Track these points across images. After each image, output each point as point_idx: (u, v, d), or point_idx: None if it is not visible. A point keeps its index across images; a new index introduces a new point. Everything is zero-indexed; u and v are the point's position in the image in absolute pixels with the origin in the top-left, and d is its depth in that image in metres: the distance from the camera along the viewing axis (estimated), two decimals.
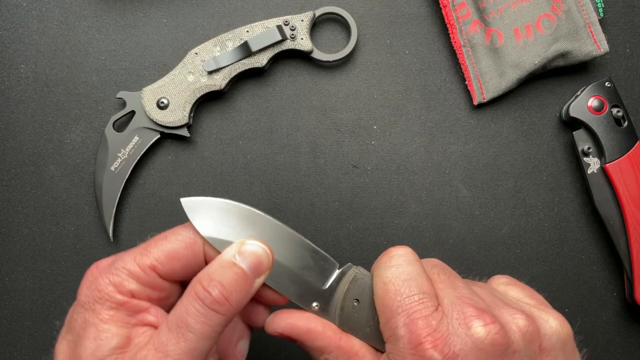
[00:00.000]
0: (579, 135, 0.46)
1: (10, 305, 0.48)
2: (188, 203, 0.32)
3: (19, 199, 0.49)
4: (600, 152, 0.46)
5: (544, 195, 0.49)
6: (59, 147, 0.49)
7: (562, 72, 0.50)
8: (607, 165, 0.45)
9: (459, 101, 0.50)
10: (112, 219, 0.47)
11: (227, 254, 0.30)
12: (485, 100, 0.49)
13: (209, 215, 0.32)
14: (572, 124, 0.48)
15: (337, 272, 0.33)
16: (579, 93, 0.47)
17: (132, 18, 0.50)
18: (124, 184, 0.47)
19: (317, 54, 0.48)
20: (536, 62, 0.47)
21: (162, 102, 0.47)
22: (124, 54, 0.50)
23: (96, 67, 0.50)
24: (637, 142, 0.46)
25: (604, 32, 0.47)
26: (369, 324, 0.32)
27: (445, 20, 0.48)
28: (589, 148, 0.46)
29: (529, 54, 0.47)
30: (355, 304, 0.32)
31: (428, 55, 0.50)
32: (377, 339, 0.31)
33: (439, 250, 0.49)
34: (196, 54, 0.47)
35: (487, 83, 0.48)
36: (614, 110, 0.45)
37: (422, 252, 0.49)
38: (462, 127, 0.50)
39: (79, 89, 0.50)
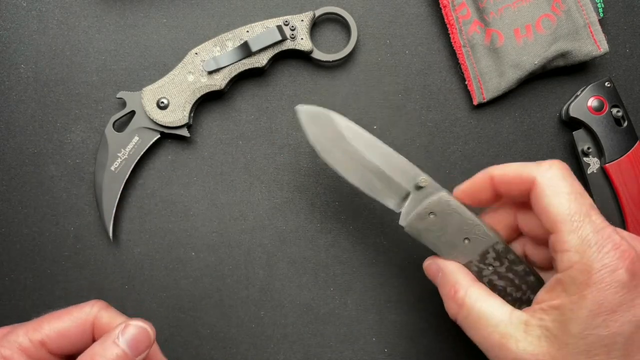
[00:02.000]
0: (579, 135, 0.46)
1: (10, 305, 0.48)
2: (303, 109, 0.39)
3: (18, 199, 0.49)
4: (600, 152, 0.46)
5: None
6: (59, 147, 0.49)
7: (562, 72, 0.50)
8: (607, 165, 0.45)
9: (459, 101, 0.50)
10: (112, 219, 0.47)
11: (111, 335, 0.33)
12: (485, 100, 0.49)
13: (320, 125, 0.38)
14: (572, 124, 0.48)
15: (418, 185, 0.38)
16: (578, 93, 0.47)
17: (132, 18, 0.50)
18: (124, 184, 0.47)
19: (317, 54, 0.48)
20: (536, 62, 0.47)
21: (162, 102, 0.47)
22: (124, 54, 0.50)
23: (96, 67, 0.50)
24: (637, 142, 0.46)
25: (603, 32, 0.47)
26: (439, 235, 0.38)
27: (445, 20, 0.48)
28: (588, 148, 0.46)
29: (529, 54, 0.47)
30: (432, 217, 0.38)
31: (428, 55, 0.50)
32: (444, 248, 0.38)
33: None
34: (196, 54, 0.47)
35: (487, 83, 0.48)
36: (614, 110, 0.45)
37: (422, 252, 0.49)
38: (462, 127, 0.50)
39: (79, 89, 0.50)
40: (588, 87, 0.46)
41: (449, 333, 0.48)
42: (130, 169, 0.47)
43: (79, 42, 0.50)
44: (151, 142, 0.48)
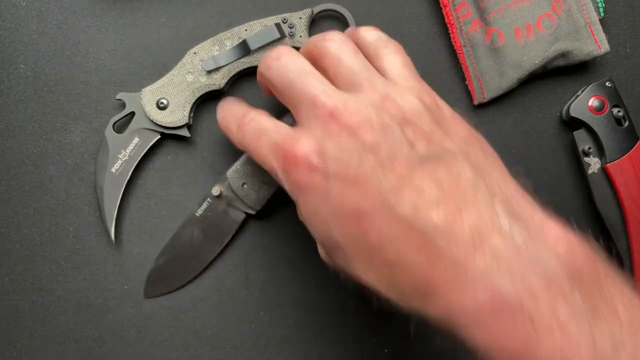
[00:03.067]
0: (580, 135, 0.46)
1: (10, 305, 0.48)
2: None
3: (18, 199, 0.49)
4: (600, 152, 0.46)
5: (543, 195, 0.49)
6: (58, 147, 0.49)
7: (563, 72, 0.49)
8: (607, 165, 0.45)
9: (459, 101, 0.50)
10: (114, 221, 0.47)
11: None
12: (486, 100, 0.49)
13: None
14: (572, 124, 0.48)
15: None
16: (579, 93, 0.47)
17: (131, 18, 0.50)
18: (124, 185, 0.47)
19: None
20: (536, 62, 0.47)
21: (162, 103, 0.47)
22: (124, 54, 0.50)
23: (96, 67, 0.50)
24: (638, 142, 0.46)
25: (604, 31, 0.47)
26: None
27: (446, 20, 0.48)
28: (589, 148, 0.46)
29: (530, 54, 0.47)
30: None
31: (428, 55, 0.50)
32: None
33: None
34: (195, 53, 0.47)
35: (488, 83, 0.48)
36: (615, 110, 0.45)
37: None
38: None
39: (79, 89, 0.50)
40: (589, 87, 0.46)
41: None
42: (131, 170, 0.47)
43: (78, 42, 0.50)
44: (151, 143, 0.48)
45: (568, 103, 0.47)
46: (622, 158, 0.45)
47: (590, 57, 0.47)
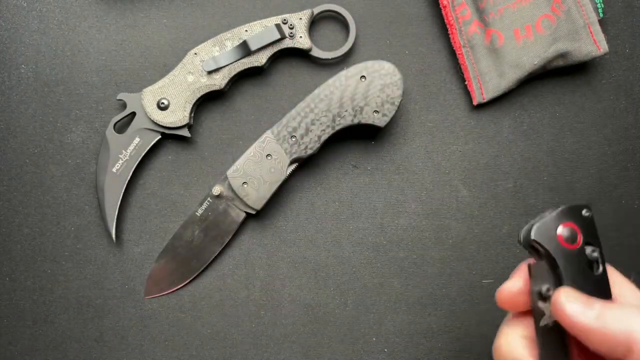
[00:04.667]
0: (539, 270, 0.31)
1: (10, 305, 0.48)
2: None
3: (19, 199, 0.49)
4: None
5: (543, 195, 0.49)
6: (59, 147, 0.49)
7: (562, 72, 0.50)
8: None
9: (458, 101, 0.50)
10: (115, 221, 0.47)
11: None
12: (485, 101, 0.49)
13: None
14: (531, 250, 0.32)
15: None
16: (546, 213, 0.32)
17: (132, 18, 0.50)
18: (125, 185, 0.47)
19: (316, 52, 0.49)
20: (536, 63, 0.47)
21: (163, 103, 0.47)
22: (124, 54, 0.50)
23: (96, 68, 0.50)
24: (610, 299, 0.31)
25: (603, 32, 0.47)
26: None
27: (445, 20, 0.48)
28: (547, 290, 0.30)
29: (529, 54, 0.47)
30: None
31: (428, 55, 0.50)
32: None
33: (439, 250, 0.49)
34: (195, 54, 0.47)
35: (487, 83, 0.48)
36: (588, 249, 0.31)
37: (422, 252, 0.49)
38: (461, 127, 0.50)
39: (80, 90, 0.50)
40: (560, 209, 0.32)
41: (448, 333, 0.48)
42: (132, 170, 0.48)
43: (79, 42, 0.50)
44: (152, 143, 0.48)
45: (531, 223, 0.32)
46: None
47: (589, 57, 0.47)
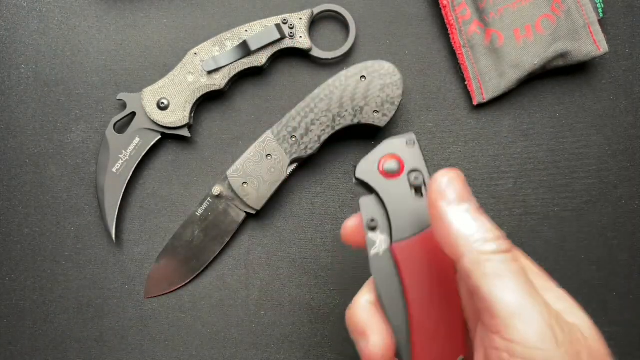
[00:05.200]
0: (367, 204, 0.32)
1: (10, 305, 0.49)
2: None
3: (19, 199, 0.49)
4: (389, 229, 0.32)
5: (543, 195, 0.49)
6: (59, 147, 0.49)
7: (562, 72, 0.50)
8: (394, 245, 0.31)
9: (458, 101, 0.50)
10: (115, 221, 0.47)
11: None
12: (485, 101, 0.49)
13: None
14: (362, 186, 0.33)
15: None
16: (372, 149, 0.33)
17: (132, 18, 0.50)
18: (125, 185, 0.47)
19: (316, 52, 0.49)
20: (536, 63, 0.47)
21: (163, 103, 0.47)
22: (124, 54, 0.50)
23: (96, 68, 0.50)
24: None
25: (603, 32, 0.47)
26: None
27: (445, 20, 0.48)
28: (372, 220, 0.32)
29: (529, 54, 0.47)
30: None
31: (428, 55, 0.50)
32: None
33: None
34: (195, 54, 0.47)
35: (487, 83, 0.48)
36: (412, 176, 0.32)
37: None
38: (462, 127, 0.50)
39: (80, 89, 0.50)
40: (381, 144, 0.33)
41: None
42: (132, 170, 0.48)
43: (79, 42, 0.50)
44: (152, 143, 0.48)
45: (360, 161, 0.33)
46: (412, 239, 0.32)
47: (589, 57, 0.47)
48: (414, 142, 0.33)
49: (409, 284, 0.31)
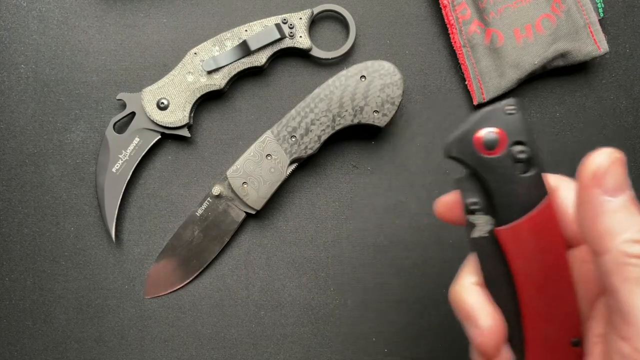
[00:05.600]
0: (463, 184, 0.30)
1: (10, 305, 0.48)
2: None
3: (19, 199, 0.49)
4: (491, 210, 0.29)
5: None
6: (59, 147, 0.49)
7: (562, 72, 0.50)
8: (498, 229, 0.29)
9: (459, 101, 0.50)
10: (114, 221, 0.47)
11: None
12: (485, 101, 0.49)
13: None
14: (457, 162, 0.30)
15: None
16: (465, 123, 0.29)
17: (132, 18, 0.50)
18: (125, 185, 0.47)
19: (316, 52, 0.48)
20: (536, 62, 0.47)
21: (162, 103, 0.47)
22: (124, 54, 0.50)
23: (96, 67, 0.50)
24: (546, 198, 0.28)
25: (603, 32, 0.47)
26: None
27: (445, 20, 0.48)
28: (473, 203, 0.29)
29: (529, 54, 0.47)
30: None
31: (428, 55, 0.50)
32: None
33: (439, 251, 0.49)
34: (195, 54, 0.47)
35: (487, 83, 0.48)
36: (516, 150, 0.28)
37: (422, 252, 0.49)
38: None
39: (79, 89, 0.50)
40: (477, 115, 0.28)
41: (448, 333, 0.48)
42: (132, 170, 0.48)
43: (79, 42, 0.50)
44: (152, 143, 0.48)
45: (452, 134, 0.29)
46: (520, 220, 0.28)
47: (589, 57, 0.47)
48: (516, 110, 0.28)
49: (518, 268, 0.28)
